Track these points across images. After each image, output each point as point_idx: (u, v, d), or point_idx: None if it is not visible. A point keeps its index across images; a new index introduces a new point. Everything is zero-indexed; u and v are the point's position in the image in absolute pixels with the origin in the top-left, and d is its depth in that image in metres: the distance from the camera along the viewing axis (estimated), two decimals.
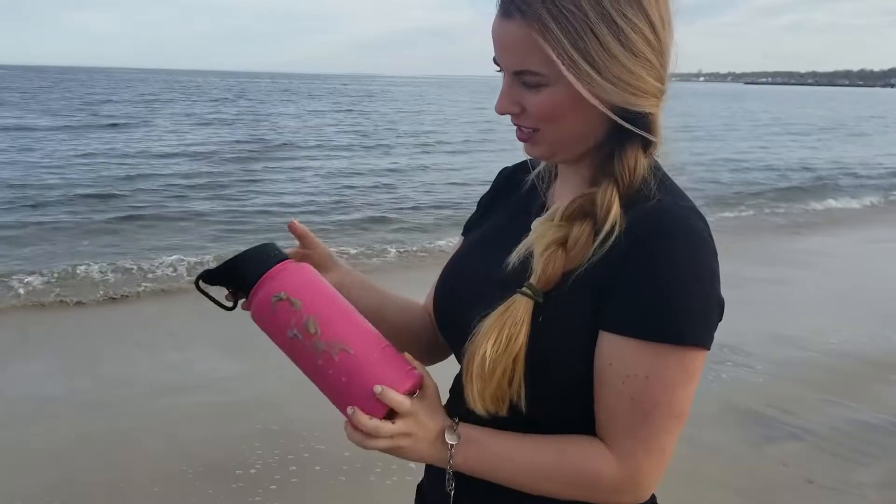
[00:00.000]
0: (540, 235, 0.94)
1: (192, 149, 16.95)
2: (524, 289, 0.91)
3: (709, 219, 0.94)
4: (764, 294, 6.39)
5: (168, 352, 4.89)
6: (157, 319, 5.62)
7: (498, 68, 0.95)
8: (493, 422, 0.95)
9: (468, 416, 0.95)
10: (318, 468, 3.25)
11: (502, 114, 0.96)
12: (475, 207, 1.21)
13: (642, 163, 0.94)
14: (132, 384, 4.29)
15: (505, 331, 0.90)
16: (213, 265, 1.03)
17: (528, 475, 0.94)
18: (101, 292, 6.13)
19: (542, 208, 1.04)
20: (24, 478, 3.25)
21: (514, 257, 0.95)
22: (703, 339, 0.88)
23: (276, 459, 3.33)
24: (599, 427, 0.93)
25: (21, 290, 6.13)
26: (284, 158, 16.03)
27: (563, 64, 0.87)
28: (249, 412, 3.87)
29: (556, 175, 1.08)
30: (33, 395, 4.15)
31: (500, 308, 0.91)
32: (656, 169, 0.96)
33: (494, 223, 1.12)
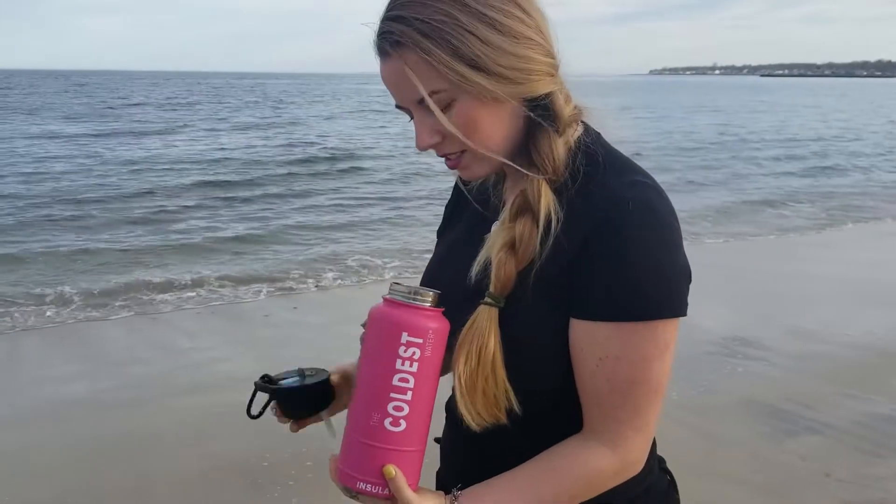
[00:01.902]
0: (492, 242, 0.94)
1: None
2: (486, 298, 0.93)
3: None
4: (780, 287, 6.35)
5: (185, 353, 4.94)
6: (174, 321, 5.67)
7: (409, 118, 0.96)
8: (497, 431, 0.95)
9: (468, 430, 0.95)
10: None
11: (425, 148, 0.95)
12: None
13: (558, 143, 0.93)
14: (150, 385, 4.34)
15: (474, 345, 0.91)
16: (289, 380, 1.07)
17: None
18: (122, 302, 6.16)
19: (498, 212, 1.04)
20: (43, 480, 3.29)
21: (475, 270, 0.96)
22: (668, 310, 0.89)
23: (292, 456, 3.35)
24: (585, 414, 0.95)
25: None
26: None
27: (451, 78, 0.87)
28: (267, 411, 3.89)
29: (504, 176, 1.08)
30: (51, 396, 4.20)
31: (467, 324, 0.93)
32: (594, 142, 0.96)
33: (459, 231, 1.13)
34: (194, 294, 6.27)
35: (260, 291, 6.40)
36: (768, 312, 5.57)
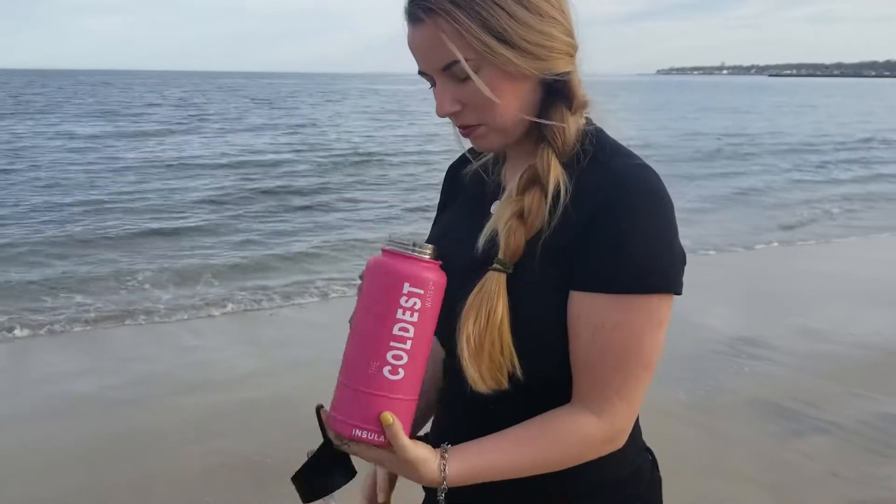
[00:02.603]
0: (499, 214, 0.98)
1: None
2: (494, 264, 0.95)
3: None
4: (788, 286, 6.32)
5: (189, 351, 4.95)
6: (180, 319, 5.68)
7: (428, 84, 0.99)
8: (500, 397, 0.97)
9: (468, 393, 0.97)
10: None
11: (445, 115, 0.98)
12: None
13: (570, 121, 0.97)
14: (153, 383, 4.35)
15: (483, 307, 0.93)
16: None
17: (525, 471, 0.97)
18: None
19: (497, 192, 1.07)
20: (46, 477, 3.29)
21: (482, 241, 0.99)
22: (664, 286, 0.92)
23: (298, 453, 3.33)
24: (575, 382, 0.97)
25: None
26: None
27: (478, 48, 0.91)
28: (270, 408, 3.90)
29: (504, 157, 1.11)
30: (55, 394, 4.21)
31: (475, 288, 0.95)
32: (598, 131, 1.00)
33: (453, 217, 1.16)
34: (205, 298, 6.16)
35: (276, 292, 6.28)
36: (775, 312, 5.55)
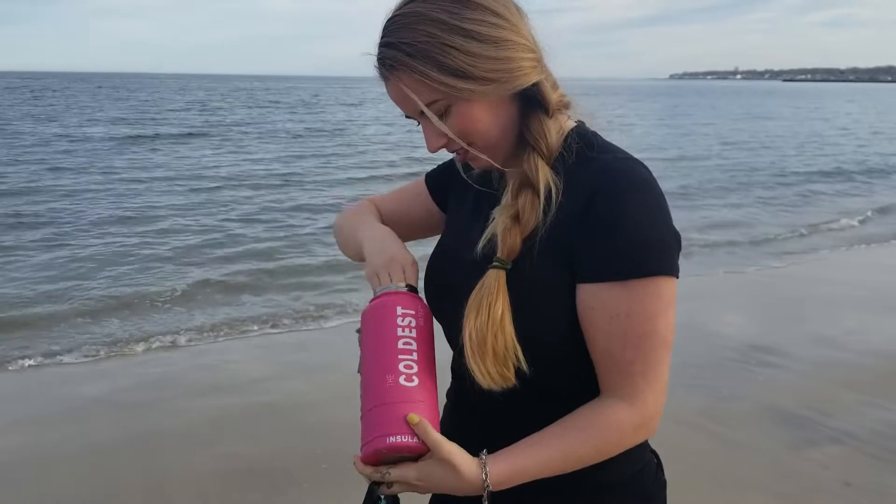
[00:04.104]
0: (497, 220, 1.04)
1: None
2: (493, 262, 1.01)
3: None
4: (801, 294, 6.28)
5: (200, 354, 4.97)
6: (188, 322, 5.70)
7: (416, 122, 1.05)
8: (510, 397, 1.00)
9: (478, 393, 1.00)
10: (349, 466, 3.26)
11: (435, 150, 1.05)
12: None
13: (549, 125, 1.03)
14: (166, 385, 4.37)
15: (483, 303, 0.98)
16: None
17: (565, 468, 1.00)
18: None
19: (499, 199, 1.11)
20: (59, 479, 3.32)
21: (481, 245, 1.05)
22: (668, 268, 0.97)
23: (307, 458, 3.36)
24: (601, 377, 1.01)
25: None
26: None
27: (442, 90, 0.97)
28: (281, 413, 3.91)
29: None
30: (69, 395, 4.25)
31: (477, 286, 1.00)
32: (583, 130, 1.06)
33: (460, 223, 1.20)
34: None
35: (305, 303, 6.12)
36: (788, 319, 5.52)
